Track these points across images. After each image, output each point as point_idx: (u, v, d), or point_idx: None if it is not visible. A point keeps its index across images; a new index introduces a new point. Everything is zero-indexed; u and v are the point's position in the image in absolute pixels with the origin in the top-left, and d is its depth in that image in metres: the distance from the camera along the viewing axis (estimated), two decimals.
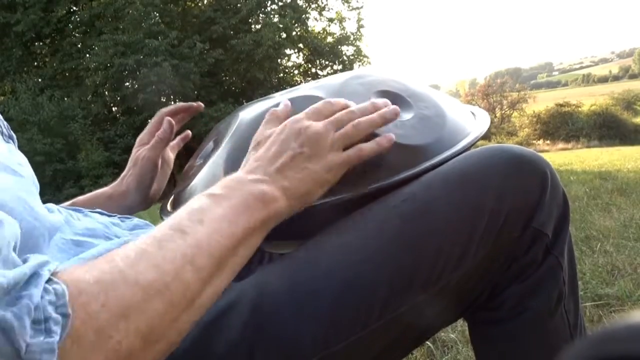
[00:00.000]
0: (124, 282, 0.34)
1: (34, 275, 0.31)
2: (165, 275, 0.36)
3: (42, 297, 0.30)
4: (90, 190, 0.79)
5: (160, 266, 0.36)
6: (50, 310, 0.29)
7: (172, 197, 0.74)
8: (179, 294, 0.37)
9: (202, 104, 0.82)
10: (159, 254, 0.37)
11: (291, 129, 0.51)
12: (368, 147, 0.52)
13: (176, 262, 0.37)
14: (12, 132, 0.59)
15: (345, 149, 0.52)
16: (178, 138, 0.83)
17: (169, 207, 0.70)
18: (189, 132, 0.87)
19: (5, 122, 0.58)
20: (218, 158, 0.62)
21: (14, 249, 0.34)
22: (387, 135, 0.54)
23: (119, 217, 0.62)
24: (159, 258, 0.37)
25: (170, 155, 0.82)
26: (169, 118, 0.76)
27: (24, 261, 0.32)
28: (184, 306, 0.37)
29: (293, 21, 15.55)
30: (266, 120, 0.56)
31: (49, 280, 0.31)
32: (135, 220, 0.63)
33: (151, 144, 0.75)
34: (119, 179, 0.78)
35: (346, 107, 0.55)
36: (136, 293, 0.34)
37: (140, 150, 0.77)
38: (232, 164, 0.59)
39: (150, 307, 0.35)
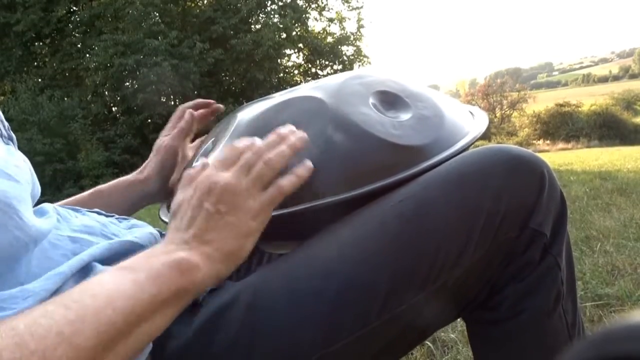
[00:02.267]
0: None
1: None
2: (29, 356, 0.32)
3: None
4: None
5: (24, 345, 0.32)
6: None
7: (171, 198, 0.74)
8: None
9: (222, 106, 0.84)
10: (27, 331, 0.33)
11: (201, 190, 0.48)
12: (287, 181, 0.50)
13: (47, 341, 0.33)
14: (12, 132, 0.59)
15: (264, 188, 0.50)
16: (198, 140, 0.84)
17: (166, 208, 0.71)
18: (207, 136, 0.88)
19: (6, 123, 0.58)
20: (216, 158, 0.62)
21: None
22: (304, 163, 0.52)
23: (116, 217, 0.62)
24: (26, 336, 0.33)
25: (189, 152, 0.83)
26: (191, 110, 0.79)
27: None
28: None
29: (293, 21, 15.55)
30: (181, 186, 0.52)
31: None
32: (133, 220, 0.63)
33: (172, 134, 0.78)
34: (140, 167, 0.80)
35: (251, 146, 0.52)
36: None
37: (162, 140, 0.79)
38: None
39: None
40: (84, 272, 0.48)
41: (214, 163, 0.51)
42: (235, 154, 0.51)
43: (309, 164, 0.52)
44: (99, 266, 0.49)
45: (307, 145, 0.54)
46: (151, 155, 0.79)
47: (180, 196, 0.51)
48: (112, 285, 0.39)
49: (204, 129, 0.84)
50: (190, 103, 0.82)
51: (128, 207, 0.76)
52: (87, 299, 0.37)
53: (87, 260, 0.48)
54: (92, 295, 0.37)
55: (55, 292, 0.43)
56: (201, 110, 0.82)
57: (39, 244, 0.47)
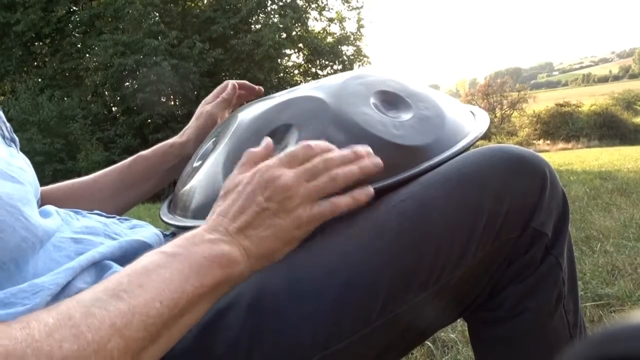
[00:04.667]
0: (34, 354, 0.31)
1: None
2: (86, 347, 0.33)
3: None
4: None
5: (81, 336, 0.33)
6: None
7: (170, 197, 0.74)
8: None
9: (262, 89, 0.89)
10: (83, 322, 0.34)
11: (260, 179, 0.47)
12: (343, 202, 0.48)
13: (101, 333, 0.34)
14: (14, 135, 0.59)
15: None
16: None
17: (167, 208, 0.71)
18: None
19: (8, 125, 0.58)
20: (217, 159, 0.62)
21: None
22: (365, 189, 0.50)
23: (117, 218, 0.62)
24: (83, 327, 0.34)
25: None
26: (234, 82, 0.85)
27: None
28: None
29: (293, 21, 15.55)
30: (241, 162, 0.51)
31: None
32: (134, 221, 0.63)
33: (215, 102, 0.83)
34: (181, 132, 0.84)
35: (327, 150, 0.50)
36: None
37: (204, 107, 0.84)
38: (231, 165, 0.59)
39: None
40: (97, 269, 0.48)
41: (281, 156, 0.49)
42: (306, 154, 0.49)
43: (370, 190, 0.50)
44: (112, 264, 0.49)
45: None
46: (192, 120, 0.84)
47: (238, 176, 0.49)
48: (159, 277, 0.39)
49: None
50: (236, 81, 0.87)
51: (165, 171, 0.80)
52: (136, 289, 0.38)
53: (98, 258, 0.48)
54: (140, 285, 0.38)
55: (66, 286, 0.43)
56: (242, 91, 0.87)
57: (45, 243, 0.47)
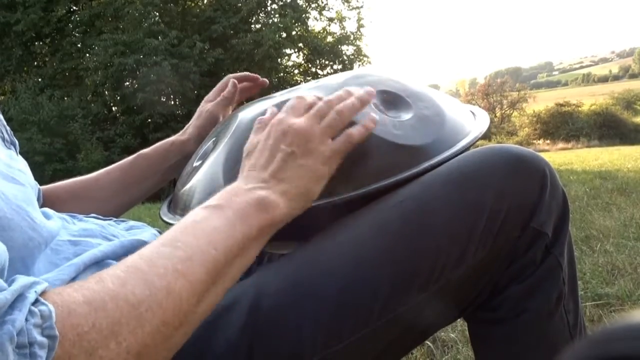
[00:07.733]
0: (113, 301, 0.34)
1: (18, 298, 0.30)
2: (157, 292, 0.36)
3: (26, 320, 0.29)
4: None
5: (151, 283, 0.36)
6: (35, 333, 0.29)
7: (171, 197, 0.74)
8: (171, 310, 0.36)
9: (266, 81, 0.88)
10: (150, 270, 0.37)
11: (276, 131, 0.51)
12: (356, 131, 0.53)
13: (168, 278, 0.37)
14: (14, 138, 0.59)
15: (332, 138, 0.53)
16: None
17: (167, 208, 0.70)
18: None
19: (8, 128, 0.58)
20: (217, 158, 0.62)
21: (1, 273, 0.34)
22: (370, 116, 0.54)
23: (114, 220, 0.62)
24: (150, 275, 0.37)
25: None
26: (234, 80, 0.84)
27: (11, 283, 0.31)
28: (177, 323, 0.37)
29: (293, 21, 15.53)
30: (254, 130, 0.56)
31: (35, 302, 0.31)
32: (131, 222, 0.63)
33: (216, 101, 0.83)
34: (182, 130, 0.84)
35: (318, 100, 0.55)
36: (127, 312, 0.34)
37: (205, 105, 0.84)
38: (232, 164, 0.59)
39: (142, 325, 0.34)
40: (99, 269, 0.48)
41: (285, 109, 0.54)
42: (305, 103, 0.54)
43: (374, 116, 0.54)
44: (114, 263, 0.49)
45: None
46: (193, 118, 0.84)
47: (254, 138, 0.54)
48: (209, 227, 0.42)
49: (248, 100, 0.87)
50: (238, 74, 0.86)
51: (165, 169, 0.80)
52: (191, 239, 0.41)
53: (100, 256, 0.49)
54: (194, 235, 0.41)
55: (69, 282, 0.44)
56: (245, 83, 0.86)
57: (49, 244, 0.47)
